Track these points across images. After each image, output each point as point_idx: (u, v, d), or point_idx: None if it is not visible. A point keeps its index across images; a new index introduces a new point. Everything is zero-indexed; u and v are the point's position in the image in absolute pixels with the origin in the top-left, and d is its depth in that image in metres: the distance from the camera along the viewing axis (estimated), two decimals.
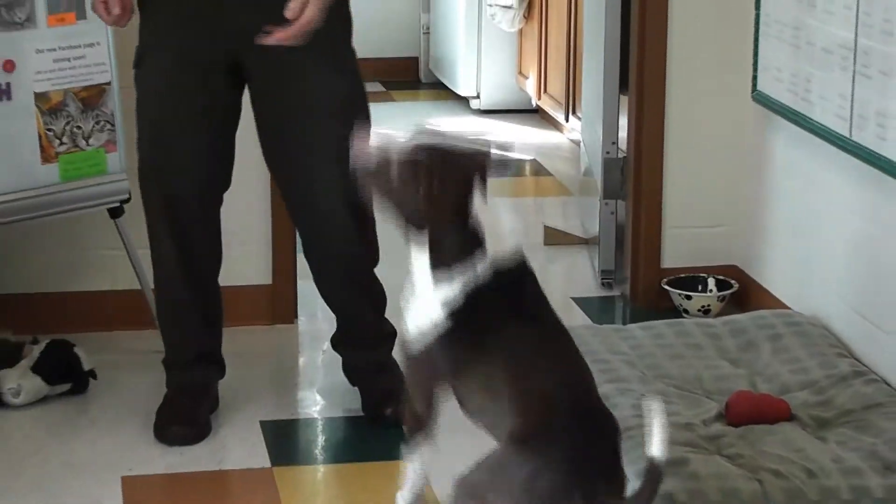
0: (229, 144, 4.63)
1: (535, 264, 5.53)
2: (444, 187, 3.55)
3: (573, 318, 5.56)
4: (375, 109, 8.36)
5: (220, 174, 4.66)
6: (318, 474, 4.51)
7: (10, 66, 4.88)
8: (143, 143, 4.60)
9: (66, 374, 4.89)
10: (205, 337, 4.76)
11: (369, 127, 4.44)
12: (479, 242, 3.57)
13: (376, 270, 4.76)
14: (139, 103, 4.62)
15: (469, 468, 3.53)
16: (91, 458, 4.50)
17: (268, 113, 4.57)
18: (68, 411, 4.84)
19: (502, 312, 3.61)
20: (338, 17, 4.46)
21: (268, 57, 4.39)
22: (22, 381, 4.81)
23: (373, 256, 4.71)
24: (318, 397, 5.01)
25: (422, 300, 3.64)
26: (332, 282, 4.77)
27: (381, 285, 4.76)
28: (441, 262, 3.56)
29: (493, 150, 3.74)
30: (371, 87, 8.77)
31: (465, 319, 3.58)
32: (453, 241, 3.58)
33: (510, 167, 3.79)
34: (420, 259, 3.57)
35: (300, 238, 4.97)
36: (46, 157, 4.97)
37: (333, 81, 4.52)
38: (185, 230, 4.61)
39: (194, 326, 4.74)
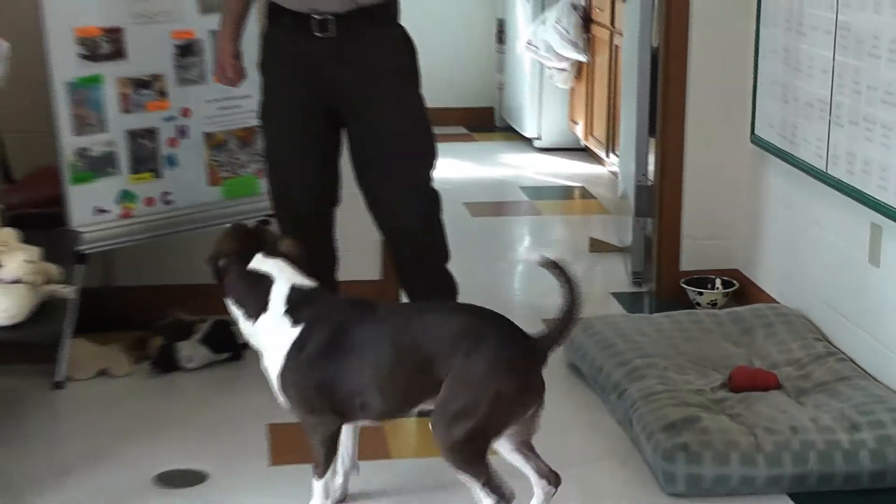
0: (334, 172, 4.56)
1: (582, 267, 5.49)
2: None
3: (611, 309, 5.56)
4: (461, 147, 8.41)
5: (328, 194, 4.56)
6: (414, 425, 4.37)
7: (187, 112, 4.93)
8: (272, 177, 4.56)
9: (227, 346, 4.90)
10: None
11: (434, 158, 4.49)
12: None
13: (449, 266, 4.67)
14: (266, 146, 4.59)
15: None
16: (245, 410, 4.50)
17: (355, 147, 4.51)
18: (227, 374, 4.85)
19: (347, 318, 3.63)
20: (408, 72, 4.46)
21: (354, 105, 4.39)
22: (193, 350, 4.84)
23: (443, 256, 4.61)
24: None
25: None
26: (409, 277, 4.69)
27: (451, 277, 4.65)
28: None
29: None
30: (457, 130, 8.87)
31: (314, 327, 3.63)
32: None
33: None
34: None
35: (385, 239, 4.83)
36: (213, 181, 5.01)
37: (402, 122, 4.43)
38: (308, 241, 4.45)
39: None
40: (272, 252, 3.68)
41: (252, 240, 3.74)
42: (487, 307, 3.62)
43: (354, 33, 4.34)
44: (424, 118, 4.52)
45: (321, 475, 3.60)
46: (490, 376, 3.41)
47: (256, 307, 3.62)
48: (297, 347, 3.57)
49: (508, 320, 3.58)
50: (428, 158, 4.46)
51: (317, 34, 4.31)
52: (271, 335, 3.61)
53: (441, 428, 3.41)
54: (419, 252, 4.54)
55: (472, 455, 3.42)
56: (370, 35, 4.37)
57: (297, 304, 3.60)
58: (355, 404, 3.56)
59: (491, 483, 3.43)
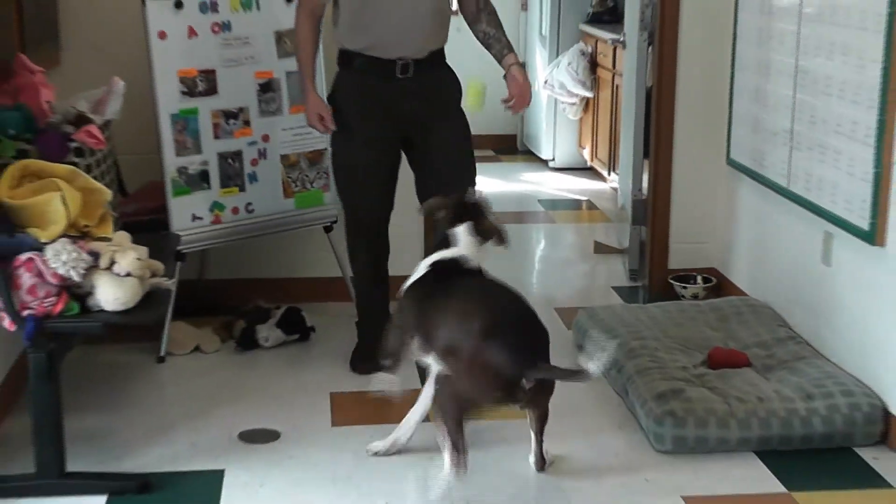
0: (394, 186, 4.56)
1: (588, 265, 5.56)
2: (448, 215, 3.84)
3: (611, 300, 5.53)
4: (488, 167, 8.42)
5: (388, 204, 4.56)
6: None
7: (267, 138, 4.94)
8: (347, 191, 4.52)
9: (297, 329, 4.90)
10: (383, 308, 4.66)
11: (476, 172, 4.49)
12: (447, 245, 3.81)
13: None
14: (338, 171, 4.54)
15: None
16: (311, 381, 4.53)
17: (422, 164, 4.50)
18: (297, 352, 4.84)
19: (448, 280, 3.73)
20: (459, 104, 4.51)
21: (424, 131, 4.41)
22: (270, 332, 4.84)
23: None
24: None
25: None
26: None
27: None
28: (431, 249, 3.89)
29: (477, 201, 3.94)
30: (485, 153, 8.86)
31: (427, 283, 3.78)
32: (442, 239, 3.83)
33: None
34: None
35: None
36: (287, 194, 5.01)
37: (458, 144, 4.47)
38: (372, 240, 4.58)
39: (378, 301, 4.67)
40: (478, 228, 3.80)
41: (467, 211, 3.84)
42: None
43: (427, 73, 4.37)
44: (471, 141, 4.55)
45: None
46: (471, 368, 3.44)
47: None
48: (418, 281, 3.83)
49: (528, 327, 3.58)
50: (473, 172, 4.48)
51: (399, 76, 4.33)
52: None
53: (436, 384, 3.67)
54: None
55: (445, 417, 3.50)
56: (436, 74, 4.42)
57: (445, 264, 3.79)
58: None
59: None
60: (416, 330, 3.72)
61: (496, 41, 4.46)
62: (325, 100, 4.50)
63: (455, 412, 3.47)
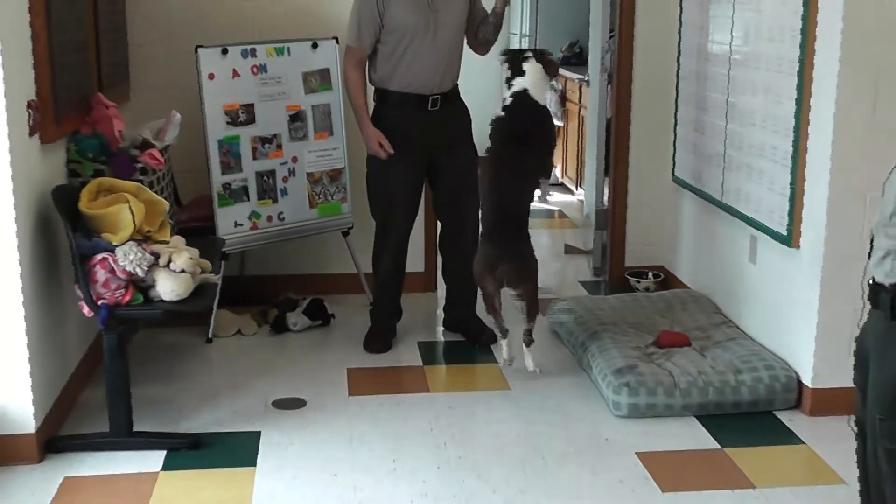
0: (419, 202, 4.57)
1: (560, 264, 5.53)
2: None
3: (579, 292, 5.45)
4: None
5: (413, 218, 4.56)
6: (444, 370, 4.46)
7: (295, 159, 4.91)
8: (379, 210, 4.51)
9: (320, 316, 4.89)
10: (396, 299, 4.69)
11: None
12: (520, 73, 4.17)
13: None
14: (373, 189, 4.50)
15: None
16: (332, 358, 4.47)
17: (442, 181, 4.51)
18: (320, 335, 4.82)
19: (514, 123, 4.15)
20: (471, 135, 4.53)
21: (447, 155, 4.43)
22: (298, 318, 4.82)
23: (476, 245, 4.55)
24: (444, 329, 4.85)
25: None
26: (455, 271, 4.67)
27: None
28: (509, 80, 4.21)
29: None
30: None
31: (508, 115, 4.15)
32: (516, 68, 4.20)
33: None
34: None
35: (443, 244, 4.74)
36: (311, 205, 4.99)
37: (471, 168, 4.46)
38: (395, 247, 4.56)
39: (395, 296, 4.68)
40: (540, 61, 4.22)
41: (542, 61, 4.23)
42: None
43: (450, 105, 4.42)
44: (477, 163, 4.55)
45: None
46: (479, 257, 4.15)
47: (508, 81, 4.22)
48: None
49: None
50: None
51: (430, 108, 4.37)
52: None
53: None
54: (468, 256, 4.41)
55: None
56: (457, 106, 4.46)
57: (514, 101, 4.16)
58: None
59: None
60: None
61: (483, 24, 4.52)
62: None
63: (481, 288, 4.19)
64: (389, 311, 4.70)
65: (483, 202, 4.24)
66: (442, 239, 4.72)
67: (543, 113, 4.21)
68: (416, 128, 4.39)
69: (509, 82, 4.22)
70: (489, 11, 4.52)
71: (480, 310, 4.55)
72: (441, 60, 4.35)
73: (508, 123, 4.15)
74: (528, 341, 4.21)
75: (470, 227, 4.53)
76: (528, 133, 4.13)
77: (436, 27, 4.31)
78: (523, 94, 4.14)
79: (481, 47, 4.61)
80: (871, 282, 2.40)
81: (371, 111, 4.50)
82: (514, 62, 4.22)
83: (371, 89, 4.51)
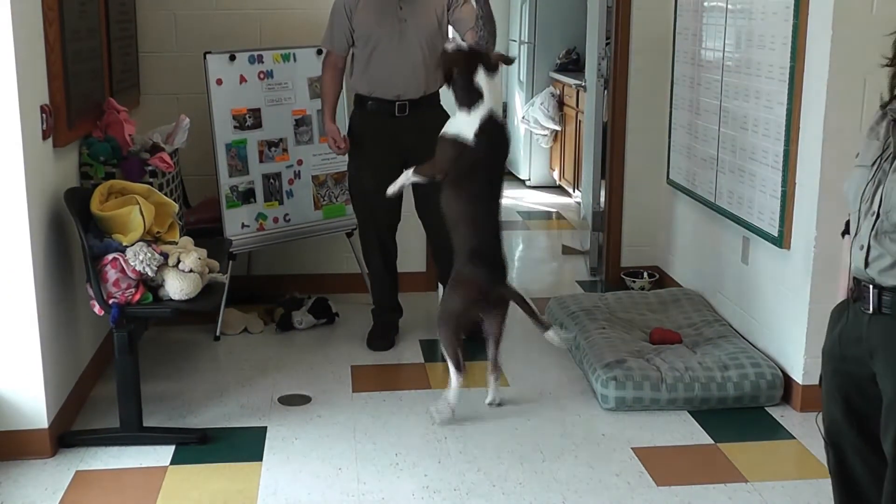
0: (399, 203, 4.51)
1: (557, 264, 5.51)
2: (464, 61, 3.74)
3: (576, 291, 5.45)
4: None
5: (394, 218, 4.55)
6: (445, 367, 4.38)
7: (301, 162, 4.94)
8: (362, 206, 4.51)
9: (325, 314, 4.89)
10: (393, 297, 4.69)
11: None
12: (479, 97, 3.72)
13: None
14: (352, 192, 4.56)
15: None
16: (336, 356, 4.47)
17: (417, 189, 4.46)
18: (325, 333, 4.82)
19: (478, 154, 3.73)
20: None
21: (417, 157, 4.22)
22: (303, 316, 4.83)
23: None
24: None
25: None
26: (440, 252, 4.53)
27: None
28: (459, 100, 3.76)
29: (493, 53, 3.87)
30: None
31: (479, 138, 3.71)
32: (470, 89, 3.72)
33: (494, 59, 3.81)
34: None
35: (433, 251, 4.81)
36: (316, 207, 5.00)
37: None
38: (380, 246, 4.56)
39: (388, 292, 4.67)
40: (489, 68, 3.71)
41: (477, 58, 3.72)
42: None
43: (421, 112, 4.38)
44: None
45: None
46: (461, 283, 3.79)
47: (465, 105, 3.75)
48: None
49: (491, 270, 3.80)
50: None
51: (397, 114, 4.35)
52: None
53: None
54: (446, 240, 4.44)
55: (444, 330, 3.81)
56: (429, 113, 4.39)
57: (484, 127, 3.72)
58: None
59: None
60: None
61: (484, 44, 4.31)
62: (346, 134, 4.50)
63: (451, 323, 3.77)
64: (388, 308, 4.70)
65: (458, 230, 3.83)
66: (428, 242, 4.71)
67: (507, 132, 3.95)
68: (385, 132, 4.40)
69: (466, 104, 3.75)
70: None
71: None
72: (405, 68, 4.34)
73: (481, 153, 3.74)
74: (497, 370, 3.96)
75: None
76: (500, 160, 3.90)
77: (402, 35, 4.32)
78: (490, 121, 3.73)
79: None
80: (872, 287, 2.33)
81: (350, 113, 4.54)
82: (469, 88, 3.73)
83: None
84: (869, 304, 2.33)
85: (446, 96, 4.41)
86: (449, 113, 4.39)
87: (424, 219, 4.64)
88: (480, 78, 3.71)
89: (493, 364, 3.94)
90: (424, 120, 4.37)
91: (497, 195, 3.86)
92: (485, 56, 3.77)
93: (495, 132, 3.77)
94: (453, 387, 3.80)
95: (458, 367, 3.79)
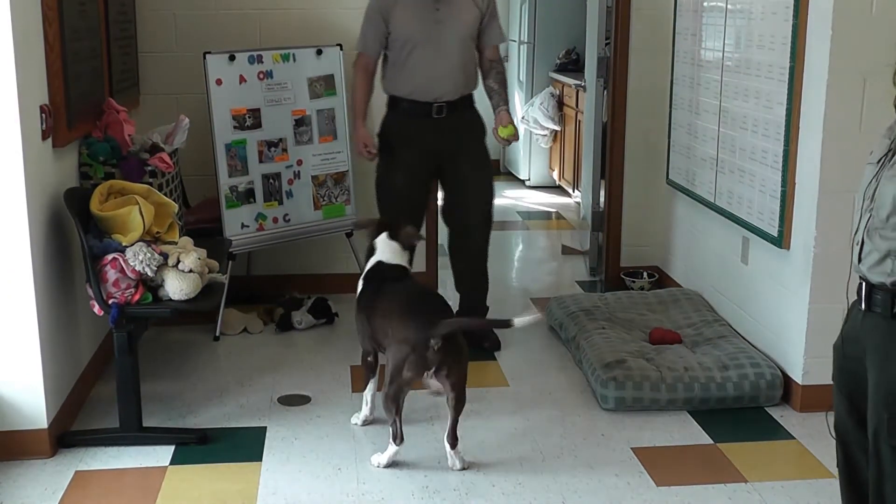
0: (424, 207, 4.54)
1: (557, 264, 5.53)
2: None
3: (576, 291, 5.45)
4: None
5: (417, 221, 4.42)
6: None
7: (300, 162, 4.92)
8: (387, 207, 4.44)
9: (324, 314, 4.89)
10: None
11: (494, 195, 4.49)
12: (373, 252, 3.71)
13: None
14: (380, 192, 4.47)
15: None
16: (335, 356, 4.45)
17: (448, 189, 4.49)
18: (324, 333, 4.82)
19: (380, 284, 3.60)
20: (484, 139, 4.47)
21: (452, 161, 4.39)
22: (303, 317, 4.83)
23: (485, 263, 4.58)
24: None
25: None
26: (466, 273, 4.59)
27: (488, 278, 4.62)
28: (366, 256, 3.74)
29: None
30: None
31: (367, 285, 3.66)
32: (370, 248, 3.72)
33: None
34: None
35: (450, 249, 4.60)
36: (316, 207, 4.99)
37: (480, 172, 4.45)
38: None
39: None
40: (392, 236, 3.69)
41: (383, 227, 3.74)
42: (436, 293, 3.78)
43: (457, 114, 4.37)
44: (489, 171, 4.53)
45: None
46: (394, 345, 3.36)
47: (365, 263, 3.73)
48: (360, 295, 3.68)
49: (426, 306, 3.48)
50: (488, 195, 4.47)
51: (434, 115, 4.34)
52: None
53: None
54: (478, 257, 4.51)
55: (385, 395, 3.38)
56: (465, 116, 4.40)
57: (370, 271, 3.66)
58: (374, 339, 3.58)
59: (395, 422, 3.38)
60: (366, 337, 3.67)
61: (496, 94, 4.46)
62: (376, 136, 4.49)
63: (392, 390, 3.34)
64: None
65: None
66: (450, 245, 4.68)
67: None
68: (420, 134, 4.38)
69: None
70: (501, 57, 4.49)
71: None
72: (443, 70, 4.33)
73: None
74: (455, 442, 3.45)
75: (476, 233, 4.51)
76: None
77: (438, 38, 4.31)
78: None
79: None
80: (864, 285, 2.37)
81: (384, 116, 4.52)
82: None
83: (384, 96, 4.53)
84: (862, 301, 2.36)
85: (481, 98, 4.50)
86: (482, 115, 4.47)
87: (447, 218, 4.61)
88: (381, 240, 3.72)
89: (450, 434, 3.44)
90: (460, 121, 4.40)
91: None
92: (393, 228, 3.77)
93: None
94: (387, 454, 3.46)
95: (395, 424, 3.42)
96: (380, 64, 4.49)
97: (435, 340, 3.25)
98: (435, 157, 4.40)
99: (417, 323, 3.32)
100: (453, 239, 4.62)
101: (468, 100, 4.44)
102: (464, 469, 3.44)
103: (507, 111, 4.40)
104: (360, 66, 4.46)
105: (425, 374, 3.31)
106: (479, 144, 4.50)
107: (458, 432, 3.44)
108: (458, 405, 3.40)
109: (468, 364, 3.45)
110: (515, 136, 4.38)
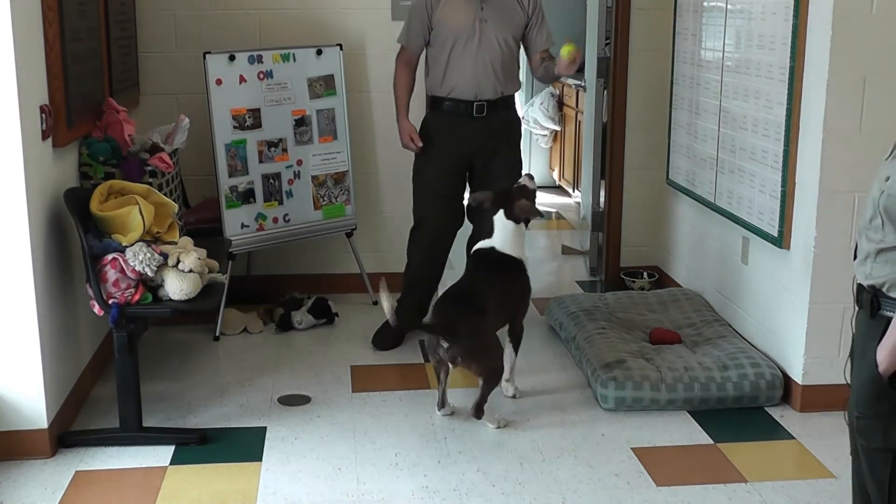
0: (459, 205, 4.52)
1: (557, 264, 5.50)
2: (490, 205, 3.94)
3: (576, 291, 5.43)
4: None
5: (451, 218, 4.50)
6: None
7: (301, 162, 4.92)
8: (418, 207, 4.49)
9: (325, 314, 4.88)
10: (423, 294, 4.58)
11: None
12: (491, 233, 3.93)
13: None
14: (416, 187, 4.49)
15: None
16: (335, 356, 4.46)
17: (478, 183, 4.45)
18: (324, 333, 4.81)
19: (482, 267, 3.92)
20: (519, 140, 4.49)
21: (484, 159, 4.39)
22: (303, 317, 4.82)
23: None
24: None
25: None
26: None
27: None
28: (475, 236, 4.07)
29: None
30: None
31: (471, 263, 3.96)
32: (483, 227, 3.98)
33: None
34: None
35: (473, 238, 4.46)
36: (316, 207, 4.99)
37: (510, 169, 4.41)
38: (428, 243, 4.50)
39: (419, 289, 4.57)
40: (509, 215, 3.91)
41: (499, 201, 3.94)
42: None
43: (497, 114, 4.37)
44: (520, 168, 4.52)
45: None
46: None
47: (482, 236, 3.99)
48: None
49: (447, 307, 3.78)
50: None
51: (475, 115, 4.34)
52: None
53: None
54: None
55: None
56: (504, 116, 4.39)
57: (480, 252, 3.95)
58: None
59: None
60: None
61: (548, 61, 4.43)
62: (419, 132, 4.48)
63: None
64: (412, 306, 4.57)
65: None
66: (470, 242, 4.66)
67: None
68: (460, 132, 4.39)
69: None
70: (553, 56, 4.43)
71: None
72: (486, 68, 4.33)
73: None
74: (478, 413, 3.81)
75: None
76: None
77: (481, 36, 4.31)
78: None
79: (540, 79, 4.63)
80: (856, 283, 2.41)
81: (424, 115, 4.53)
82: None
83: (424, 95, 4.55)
84: (856, 298, 2.38)
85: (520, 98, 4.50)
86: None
87: (476, 218, 4.57)
88: (498, 219, 3.94)
89: (472, 406, 3.81)
90: (499, 121, 4.40)
91: None
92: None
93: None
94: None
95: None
96: (422, 63, 4.49)
97: (443, 341, 3.64)
98: (469, 155, 4.42)
99: (433, 322, 3.74)
100: (475, 238, 4.57)
101: (509, 100, 4.45)
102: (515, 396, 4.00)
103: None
104: (402, 60, 4.46)
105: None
106: (514, 147, 4.51)
107: (483, 406, 3.76)
108: (483, 385, 3.75)
109: (481, 356, 3.71)
110: (577, 52, 4.19)
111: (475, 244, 4.42)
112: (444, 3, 4.33)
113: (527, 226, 4.01)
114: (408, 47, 4.44)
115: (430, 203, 4.48)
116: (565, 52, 4.19)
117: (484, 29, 4.31)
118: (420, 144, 4.41)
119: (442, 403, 3.88)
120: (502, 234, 3.94)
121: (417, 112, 4.59)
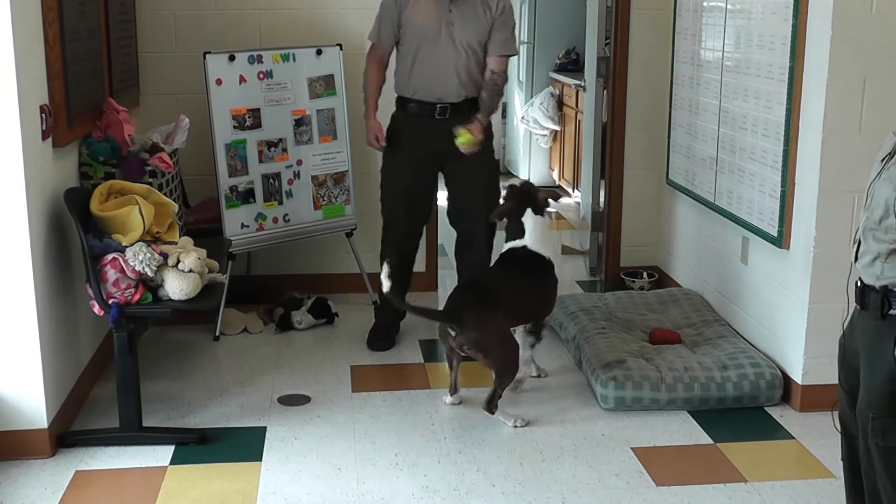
0: (428, 207, 4.57)
1: (557, 264, 5.48)
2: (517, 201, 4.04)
3: (575, 291, 5.42)
4: None
5: (418, 219, 4.53)
6: (445, 367, 4.25)
7: (300, 162, 4.92)
8: (386, 209, 4.48)
9: (325, 314, 4.88)
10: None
11: (499, 196, 4.40)
12: (522, 233, 4.01)
13: None
14: (387, 190, 4.47)
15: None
16: (335, 356, 4.46)
17: (450, 193, 4.48)
18: (324, 333, 4.81)
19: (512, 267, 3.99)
20: (489, 141, 4.40)
21: (455, 162, 4.34)
22: (303, 317, 4.83)
23: (489, 250, 4.53)
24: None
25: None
26: (464, 257, 4.56)
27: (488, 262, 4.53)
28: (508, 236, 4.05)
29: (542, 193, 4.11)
30: None
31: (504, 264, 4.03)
32: (512, 228, 4.03)
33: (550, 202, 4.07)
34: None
35: (455, 250, 4.63)
36: (316, 207, 4.99)
37: (479, 179, 4.41)
38: (400, 244, 4.49)
39: (395, 296, 4.65)
40: (537, 210, 4.06)
41: (523, 200, 4.06)
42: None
43: (461, 117, 4.31)
44: (494, 174, 4.53)
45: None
46: None
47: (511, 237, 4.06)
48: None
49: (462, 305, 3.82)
50: (491, 199, 4.39)
51: (438, 116, 4.33)
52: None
53: None
54: (481, 254, 4.48)
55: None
56: (469, 117, 4.31)
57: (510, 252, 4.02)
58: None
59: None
60: None
61: (482, 104, 4.35)
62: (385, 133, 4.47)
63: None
64: (391, 308, 4.60)
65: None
66: (455, 249, 4.67)
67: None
68: (424, 134, 4.37)
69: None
70: (493, 71, 4.37)
71: None
72: (446, 71, 4.32)
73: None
74: (489, 407, 3.83)
75: (476, 241, 4.48)
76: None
77: (447, 38, 4.30)
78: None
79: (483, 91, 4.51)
80: (859, 284, 2.40)
81: (392, 116, 4.51)
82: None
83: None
84: (857, 299, 2.38)
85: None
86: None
87: (452, 223, 4.59)
88: (527, 220, 4.05)
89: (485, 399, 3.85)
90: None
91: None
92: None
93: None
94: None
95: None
96: (393, 61, 4.48)
97: (452, 329, 3.76)
98: (437, 158, 4.40)
99: (448, 310, 3.84)
100: (458, 246, 4.63)
101: (472, 103, 4.40)
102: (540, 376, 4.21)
103: (480, 122, 4.28)
104: (373, 56, 4.45)
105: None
106: (486, 150, 4.43)
107: (496, 401, 3.78)
108: (496, 379, 3.78)
109: (492, 347, 3.76)
110: (472, 146, 4.23)
111: (463, 253, 4.53)
112: (413, 1, 4.32)
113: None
114: (378, 44, 4.43)
115: (398, 206, 4.46)
116: (460, 139, 4.22)
117: (451, 31, 4.29)
118: (384, 144, 4.41)
119: (454, 389, 3.96)
120: (534, 232, 4.03)
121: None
